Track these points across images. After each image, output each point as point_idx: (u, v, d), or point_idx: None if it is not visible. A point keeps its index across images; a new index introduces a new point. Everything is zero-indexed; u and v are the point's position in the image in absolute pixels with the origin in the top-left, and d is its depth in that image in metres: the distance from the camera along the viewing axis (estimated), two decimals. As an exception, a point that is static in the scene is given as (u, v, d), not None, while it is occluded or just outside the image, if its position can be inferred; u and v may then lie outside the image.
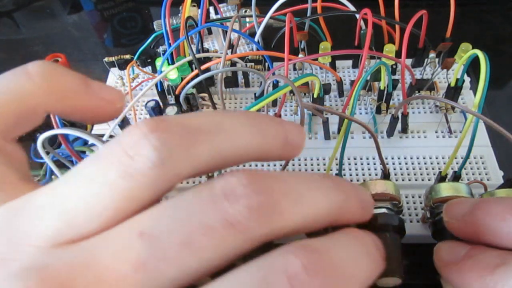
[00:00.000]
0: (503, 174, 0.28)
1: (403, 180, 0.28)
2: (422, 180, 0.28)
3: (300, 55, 0.33)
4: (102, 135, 0.29)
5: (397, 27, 0.32)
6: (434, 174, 0.28)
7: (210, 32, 0.39)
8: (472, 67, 0.28)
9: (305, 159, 0.30)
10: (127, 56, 0.35)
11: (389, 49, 0.30)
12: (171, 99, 0.33)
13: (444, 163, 0.29)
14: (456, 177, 0.25)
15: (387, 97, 0.31)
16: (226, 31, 0.30)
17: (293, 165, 0.29)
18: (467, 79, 0.33)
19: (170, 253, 0.11)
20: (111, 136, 0.29)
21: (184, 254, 0.11)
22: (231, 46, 0.33)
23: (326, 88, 0.31)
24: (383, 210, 0.20)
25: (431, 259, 0.19)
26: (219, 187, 0.12)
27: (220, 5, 0.39)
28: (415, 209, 0.27)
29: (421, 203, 0.27)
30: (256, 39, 0.32)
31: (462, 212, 0.18)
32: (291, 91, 0.30)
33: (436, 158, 0.29)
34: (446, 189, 0.21)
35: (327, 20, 0.34)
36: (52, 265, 0.11)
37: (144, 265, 0.11)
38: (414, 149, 0.30)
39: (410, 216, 0.26)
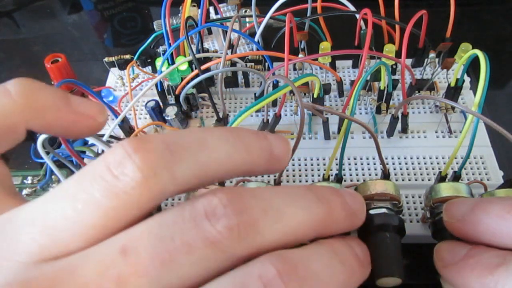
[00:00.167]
0: (503, 174, 0.28)
1: (403, 180, 0.28)
2: (422, 180, 0.28)
3: (300, 55, 0.33)
4: (102, 135, 0.29)
5: (397, 27, 0.32)
6: (434, 174, 0.28)
7: (210, 32, 0.39)
8: (472, 67, 0.28)
9: (305, 159, 0.30)
10: (127, 56, 0.35)
11: (389, 49, 0.30)
12: (171, 99, 0.33)
13: (444, 163, 0.29)
14: (456, 177, 0.25)
15: (387, 97, 0.31)
16: (226, 31, 0.30)
17: (293, 165, 0.29)
18: (467, 79, 0.33)
19: (152, 270, 0.12)
20: (111, 136, 0.29)
21: (165, 271, 0.12)
22: (231, 46, 0.33)
23: (326, 88, 0.31)
24: (383, 210, 0.20)
25: (431, 259, 0.19)
26: (201, 207, 0.12)
27: (220, 5, 0.39)
28: (415, 209, 0.27)
29: (421, 203, 0.27)
30: (256, 39, 0.32)
31: (462, 212, 0.18)
32: (291, 91, 0.30)
33: (436, 158, 0.29)
34: (446, 189, 0.21)
35: (327, 20, 0.34)
36: (35, 279, 0.11)
37: (125, 282, 0.11)
38: (414, 149, 0.30)
39: (410, 216, 0.26)
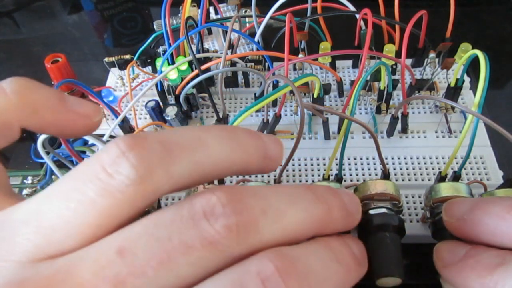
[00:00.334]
0: (502, 174, 0.28)
1: (403, 180, 0.28)
2: (422, 180, 0.28)
3: (300, 55, 0.33)
4: (102, 135, 0.29)
5: (397, 27, 0.32)
6: (434, 174, 0.28)
7: (210, 32, 0.39)
8: (472, 67, 0.28)
9: (305, 159, 0.30)
10: (127, 56, 0.35)
11: (389, 49, 0.30)
12: (171, 99, 0.33)
13: (444, 163, 0.29)
14: (456, 177, 0.25)
15: (387, 97, 0.31)
16: (226, 31, 0.30)
17: (293, 165, 0.29)
18: (467, 79, 0.33)
19: (149, 270, 0.11)
20: (111, 136, 0.29)
21: (163, 272, 0.12)
22: (231, 46, 0.33)
23: (326, 88, 0.31)
24: (383, 210, 0.20)
25: (431, 259, 0.19)
26: (199, 206, 0.12)
27: (220, 5, 0.39)
28: (415, 209, 0.27)
29: (421, 203, 0.27)
30: (256, 39, 0.32)
31: (461, 211, 0.18)
32: (291, 91, 0.30)
33: (436, 158, 0.29)
34: (446, 189, 0.21)
35: (327, 20, 0.34)
36: (31, 280, 0.11)
37: (122, 282, 0.11)
38: (414, 149, 0.30)
39: (410, 216, 0.26)
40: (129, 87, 0.33)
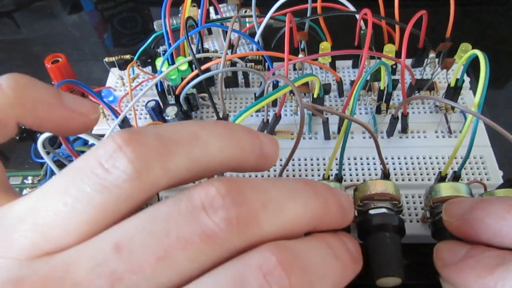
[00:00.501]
0: (502, 174, 0.28)
1: (403, 180, 0.28)
2: (422, 180, 0.28)
3: (300, 55, 0.33)
4: (103, 135, 0.29)
5: (397, 27, 0.32)
6: (434, 174, 0.28)
7: (210, 32, 0.39)
8: (472, 67, 0.28)
9: (305, 159, 0.30)
10: (127, 56, 0.35)
11: (389, 49, 0.30)
12: (171, 99, 0.33)
13: (444, 163, 0.29)
14: (456, 177, 0.25)
15: (387, 97, 0.31)
16: (226, 31, 0.30)
17: (293, 165, 0.29)
18: (467, 79, 0.33)
19: (147, 267, 0.11)
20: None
21: (160, 268, 0.11)
22: (231, 46, 0.33)
23: (326, 88, 0.31)
24: (383, 210, 0.20)
25: (431, 259, 0.19)
26: (197, 198, 0.12)
27: (220, 5, 0.39)
28: (415, 209, 0.27)
29: (421, 203, 0.27)
30: (256, 39, 0.32)
31: (461, 211, 0.18)
32: (291, 91, 0.30)
33: (436, 158, 0.29)
34: (446, 189, 0.21)
35: (327, 20, 0.34)
36: (28, 277, 0.11)
37: (120, 279, 0.11)
38: (414, 149, 0.30)
39: (410, 216, 0.26)
40: (129, 87, 0.33)
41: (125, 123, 0.31)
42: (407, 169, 0.29)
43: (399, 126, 0.30)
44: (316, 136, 0.31)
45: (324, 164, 0.29)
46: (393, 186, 0.21)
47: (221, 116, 0.31)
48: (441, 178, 0.25)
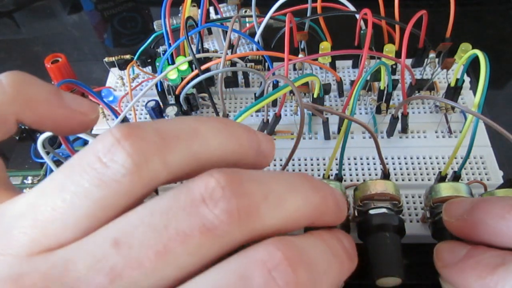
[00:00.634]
0: (503, 174, 0.28)
1: (403, 180, 0.28)
2: (422, 180, 0.28)
3: (300, 55, 0.33)
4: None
5: (397, 27, 0.32)
6: (434, 174, 0.28)
7: (210, 32, 0.39)
8: (472, 67, 0.28)
9: (305, 159, 0.30)
10: (127, 56, 0.35)
11: (389, 49, 0.30)
12: (171, 99, 0.33)
13: (444, 163, 0.29)
14: (456, 177, 0.25)
15: (387, 97, 0.31)
16: (226, 31, 0.30)
17: (293, 165, 0.29)
18: (467, 79, 0.33)
19: (146, 262, 0.11)
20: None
21: (160, 262, 0.11)
22: (231, 46, 0.33)
23: (326, 88, 0.31)
24: (383, 210, 0.20)
25: (431, 259, 0.19)
26: (197, 190, 0.12)
27: (220, 5, 0.39)
28: (415, 209, 0.27)
29: (421, 203, 0.27)
30: (256, 39, 0.32)
31: (461, 211, 0.18)
32: (291, 91, 0.30)
33: (436, 158, 0.29)
34: (446, 189, 0.21)
35: (327, 20, 0.34)
36: (28, 274, 0.11)
37: (119, 275, 0.11)
38: (414, 149, 0.30)
39: (410, 216, 0.26)
40: (129, 87, 0.33)
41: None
42: (407, 169, 0.29)
43: (399, 126, 0.30)
44: (316, 136, 0.31)
45: (324, 164, 0.29)
46: (393, 186, 0.21)
47: (221, 116, 0.31)
48: (441, 178, 0.25)
